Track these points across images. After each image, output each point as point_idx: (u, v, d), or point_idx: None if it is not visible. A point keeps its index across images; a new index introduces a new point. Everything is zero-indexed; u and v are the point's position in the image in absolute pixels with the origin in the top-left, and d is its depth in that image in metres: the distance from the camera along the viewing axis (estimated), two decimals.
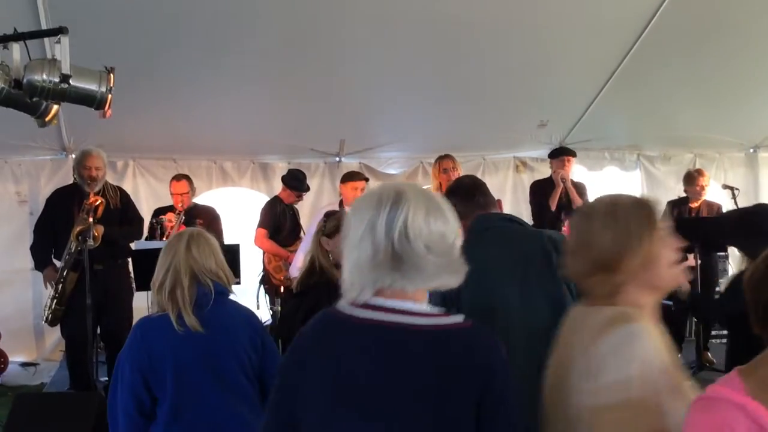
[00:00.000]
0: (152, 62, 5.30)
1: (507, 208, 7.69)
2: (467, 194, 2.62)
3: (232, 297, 2.62)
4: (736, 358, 3.16)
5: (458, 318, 1.47)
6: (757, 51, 6.05)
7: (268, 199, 6.44)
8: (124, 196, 5.28)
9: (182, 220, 5.55)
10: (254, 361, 2.51)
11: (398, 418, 1.39)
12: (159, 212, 5.77)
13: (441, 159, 5.82)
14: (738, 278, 3.15)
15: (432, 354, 1.40)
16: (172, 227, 5.51)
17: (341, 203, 5.71)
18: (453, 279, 1.48)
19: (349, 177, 5.85)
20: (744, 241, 3.19)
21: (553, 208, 6.04)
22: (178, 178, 5.81)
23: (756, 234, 3.18)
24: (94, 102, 2.98)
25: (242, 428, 2.44)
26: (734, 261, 6.66)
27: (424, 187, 6.35)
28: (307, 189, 6.35)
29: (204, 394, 2.43)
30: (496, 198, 2.84)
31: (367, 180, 5.93)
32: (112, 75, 3.00)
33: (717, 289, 5.74)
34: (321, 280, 3.05)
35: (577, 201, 6.04)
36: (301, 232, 6.14)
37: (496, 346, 1.45)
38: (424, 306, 1.47)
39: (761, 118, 7.36)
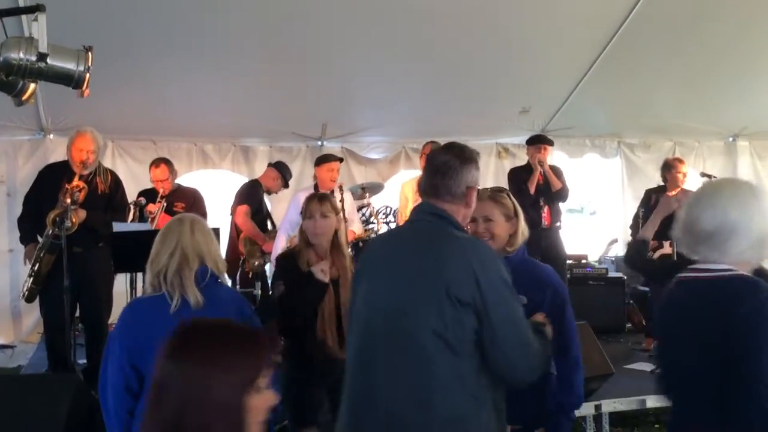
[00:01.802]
0: (133, 42, 5.23)
1: None
2: (430, 174, 2.25)
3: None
4: None
5: None
6: (737, 42, 6.10)
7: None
8: (115, 181, 5.20)
9: (164, 208, 5.51)
10: None
11: None
12: (143, 195, 5.72)
13: (426, 145, 5.81)
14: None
15: None
16: (153, 218, 5.47)
17: (316, 186, 5.62)
18: None
19: (324, 159, 5.74)
20: None
21: (532, 191, 6.08)
22: (156, 163, 5.73)
23: None
24: (72, 81, 2.94)
25: None
26: None
27: (413, 173, 6.39)
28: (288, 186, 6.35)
29: None
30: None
31: (341, 160, 5.84)
32: (90, 54, 2.96)
33: None
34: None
35: (556, 184, 6.08)
36: (269, 223, 6.09)
37: None
38: None
39: (740, 107, 7.44)
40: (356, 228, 5.96)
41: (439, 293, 1.96)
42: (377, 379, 2.05)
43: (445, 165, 2.16)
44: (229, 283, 5.74)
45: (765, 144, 8.62)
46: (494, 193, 2.85)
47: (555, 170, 6.25)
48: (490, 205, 2.78)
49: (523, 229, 2.81)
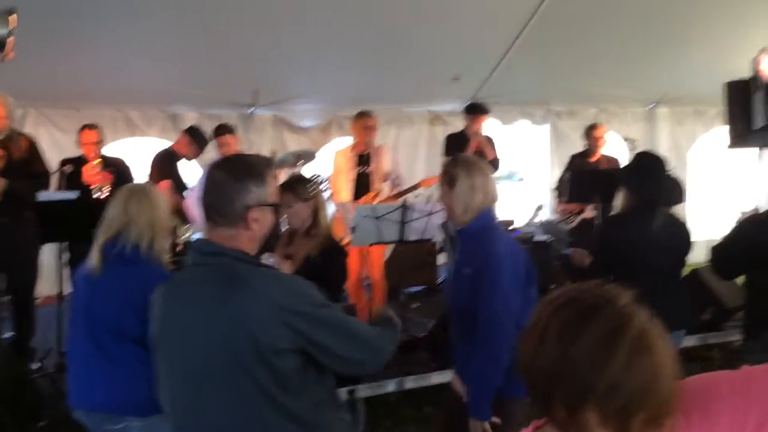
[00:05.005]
0: (53, 5, 5.02)
1: (422, 162, 7.84)
2: (205, 194, 1.92)
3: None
4: None
5: None
6: (658, 12, 6.29)
7: None
8: (32, 146, 5.04)
9: (101, 168, 5.35)
10: (134, 326, 2.50)
11: None
12: (66, 163, 5.53)
13: (365, 116, 5.77)
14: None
15: None
16: (96, 175, 5.29)
17: None
18: None
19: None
20: (637, 183, 3.44)
21: None
22: (90, 127, 5.57)
23: (645, 175, 3.44)
24: None
25: (102, 383, 2.56)
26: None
27: (346, 140, 6.41)
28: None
29: (78, 338, 2.63)
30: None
31: (233, 134, 6.00)
32: (13, 16, 2.86)
33: None
34: None
35: (490, 155, 6.21)
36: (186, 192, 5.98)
37: None
38: None
39: (660, 76, 7.71)
40: None
41: (245, 352, 1.76)
42: None
43: (217, 184, 1.86)
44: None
45: (684, 110, 9.00)
46: (445, 163, 2.84)
47: (488, 140, 6.38)
48: (440, 176, 2.81)
49: (466, 197, 2.65)
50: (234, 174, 1.86)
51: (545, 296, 1.24)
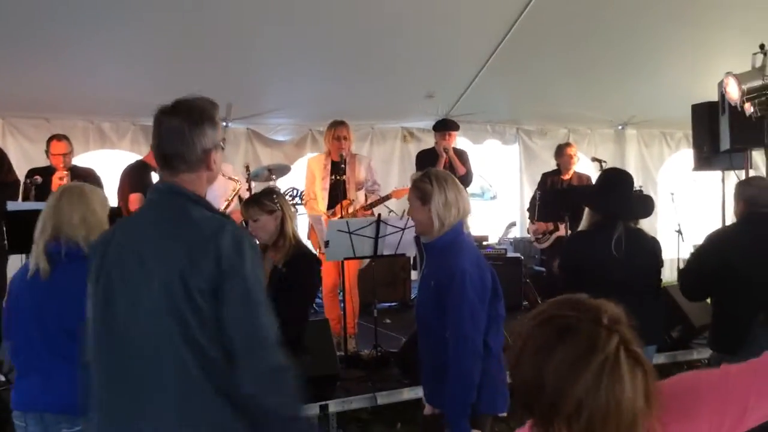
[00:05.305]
0: (24, 13, 4.96)
1: (395, 178, 7.87)
2: (160, 143, 1.93)
3: None
4: None
5: None
6: (628, 37, 6.43)
7: None
8: (0, 155, 4.95)
9: (70, 179, 5.27)
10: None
11: None
12: (34, 173, 5.44)
13: (336, 126, 5.73)
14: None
15: None
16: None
17: None
18: None
19: None
20: (598, 198, 3.49)
21: None
22: (58, 138, 5.49)
23: (608, 190, 3.49)
24: None
25: (60, 385, 2.48)
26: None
27: (315, 154, 6.41)
28: None
29: (32, 343, 2.57)
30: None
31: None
32: None
33: None
34: None
35: (460, 170, 6.24)
36: None
37: None
38: None
39: (629, 98, 7.88)
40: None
41: (178, 289, 1.72)
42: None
43: (177, 131, 1.87)
44: None
45: (651, 132, 9.20)
46: (415, 178, 2.82)
47: (461, 154, 6.37)
48: (410, 191, 2.80)
49: (441, 213, 2.68)
50: (191, 119, 1.88)
51: (520, 313, 1.27)
